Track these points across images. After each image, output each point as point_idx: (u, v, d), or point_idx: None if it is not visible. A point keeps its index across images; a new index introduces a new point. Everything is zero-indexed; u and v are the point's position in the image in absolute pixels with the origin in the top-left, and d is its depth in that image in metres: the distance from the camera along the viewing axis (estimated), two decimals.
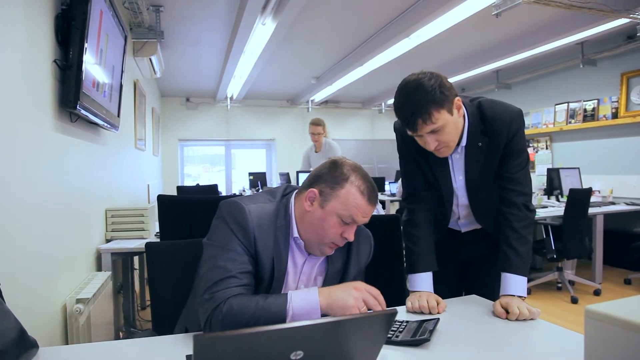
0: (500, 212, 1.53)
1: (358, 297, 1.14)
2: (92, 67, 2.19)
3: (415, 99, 1.33)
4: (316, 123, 4.78)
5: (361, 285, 1.18)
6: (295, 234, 1.25)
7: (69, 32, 1.96)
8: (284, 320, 1.10)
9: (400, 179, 1.76)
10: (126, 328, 3.22)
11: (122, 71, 2.98)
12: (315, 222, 1.21)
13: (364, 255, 1.39)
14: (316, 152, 4.90)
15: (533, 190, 5.50)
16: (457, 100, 1.40)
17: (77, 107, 1.97)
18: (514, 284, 1.42)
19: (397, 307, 1.46)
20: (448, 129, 1.38)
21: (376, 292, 1.18)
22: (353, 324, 0.76)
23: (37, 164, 1.75)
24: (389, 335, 1.18)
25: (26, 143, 1.65)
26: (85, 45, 1.97)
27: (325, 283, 1.32)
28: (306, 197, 1.23)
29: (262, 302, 1.11)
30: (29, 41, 1.69)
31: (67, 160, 2.11)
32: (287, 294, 1.14)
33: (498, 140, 1.48)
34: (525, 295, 1.42)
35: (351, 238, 1.23)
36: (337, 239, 1.22)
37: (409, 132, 1.42)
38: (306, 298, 1.14)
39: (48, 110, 1.87)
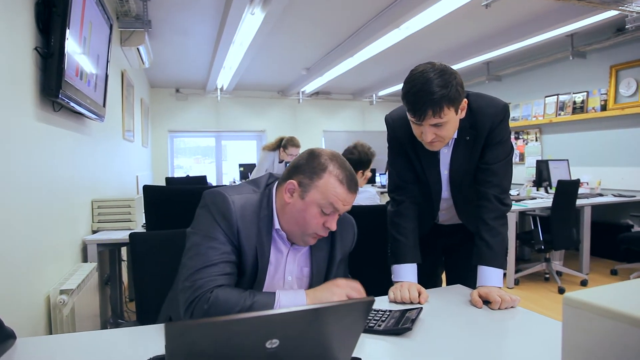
0: (475, 205, 1.53)
1: (341, 293, 1.17)
2: (75, 55, 2.14)
3: (433, 88, 1.30)
4: (299, 146, 4.65)
5: (342, 281, 1.20)
6: (277, 226, 1.24)
7: (50, 19, 1.92)
8: None
9: (388, 171, 1.76)
10: (113, 319, 3.20)
11: (107, 60, 2.93)
12: (296, 213, 1.20)
13: (347, 243, 1.39)
14: (280, 162, 4.84)
15: (522, 182, 5.60)
16: (464, 102, 1.40)
17: (60, 96, 1.93)
18: (489, 275, 1.42)
19: (381, 297, 1.46)
20: (448, 126, 1.38)
21: (357, 285, 1.21)
22: (330, 312, 0.75)
23: (19, 154, 1.71)
24: (372, 325, 1.19)
25: (6, 132, 1.61)
26: (67, 32, 1.93)
27: (312, 273, 1.31)
28: (286, 189, 1.22)
29: (249, 302, 1.11)
30: (9, 28, 1.65)
31: (50, 150, 2.08)
32: (274, 294, 1.15)
33: (482, 133, 1.48)
34: (501, 285, 1.42)
35: (333, 227, 1.22)
36: (320, 229, 1.21)
37: (411, 119, 1.39)
38: (294, 301, 1.16)
39: (29, 99, 1.83)
